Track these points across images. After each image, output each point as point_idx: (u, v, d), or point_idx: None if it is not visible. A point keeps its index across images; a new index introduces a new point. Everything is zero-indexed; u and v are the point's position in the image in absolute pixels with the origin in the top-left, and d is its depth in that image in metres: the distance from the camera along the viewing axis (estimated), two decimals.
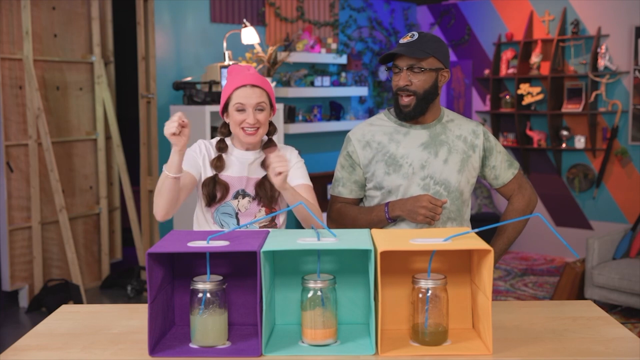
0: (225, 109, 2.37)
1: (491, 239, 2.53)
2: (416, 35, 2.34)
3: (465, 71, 7.31)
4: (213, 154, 2.39)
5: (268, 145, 2.42)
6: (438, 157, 2.40)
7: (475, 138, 2.46)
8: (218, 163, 2.36)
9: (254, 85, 2.32)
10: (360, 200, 2.53)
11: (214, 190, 2.33)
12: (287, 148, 2.47)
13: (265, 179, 2.35)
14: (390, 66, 2.41)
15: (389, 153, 2.41)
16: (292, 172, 2.39)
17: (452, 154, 2.41)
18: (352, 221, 2.45)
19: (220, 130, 2.43)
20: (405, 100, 2.36)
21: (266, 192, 2.35)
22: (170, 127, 2.07)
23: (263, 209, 2.37)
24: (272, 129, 2.44)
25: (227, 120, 2.39)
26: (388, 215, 2.37)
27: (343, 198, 2.50)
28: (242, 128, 2.32)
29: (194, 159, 2.35)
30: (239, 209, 2.35)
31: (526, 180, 2.57)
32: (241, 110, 2.31)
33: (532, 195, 2.55)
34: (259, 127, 2.33)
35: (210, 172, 2.36)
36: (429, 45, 2.33)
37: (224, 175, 2.36)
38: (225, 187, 2.34)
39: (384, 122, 2.48)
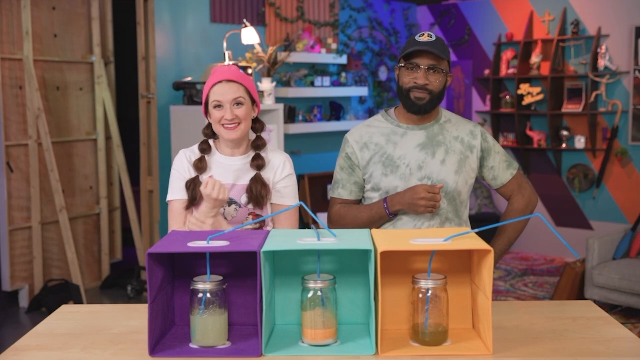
0: (206, 109, 2.33)
1: (491, 240, 2.53)
2: (433, 35, 2.36)
3: (465, 71, 7.31)
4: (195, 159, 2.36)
5: (257, 142, 2.36)
6: (435, 158, 2.40)
7: (472, 139, 2.46)
8: (200, 164, 2.32)
9: (229, 81, 2.27)
10: (360, 201, 2.53)
11: (194, 192, 2.30)
12: (279, 155, 2.40)
13: (253, 180, 2.31)
14: (401, 65, 2.39)
15: (386, 154, 2.41)
16: (280, 189, 2.35)
17: (449, 155, 2.41)
18: (353, 219, 2.45)
19: (204, 132, 2.38)
20: (419, 94, 2.36)
21: (256, 194, 2.30)
22: (224, 192, 2.15)
23: (250, 215, 2.33)
24: (258, 126, 2.38)
25: (210, 120, 2.34)
26: (389, 211, 2.38)
27: (343, 199, 2.50)
28: (222, 125, 2.28)
29: (183, 181, 2.33)
30: (225, 217, 2.30)
31: (526, 181, 2.57)
32: (219, 106, 2.27)
33: (532, 195, 2.55)
34: (239, 122, 2.28)
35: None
36: (445, 48, 2.37)
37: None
38: None
39: (381, 123, 2.48)
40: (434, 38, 2.35)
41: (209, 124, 2.36)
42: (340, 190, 2.50)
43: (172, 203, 2.35)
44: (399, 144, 2.42)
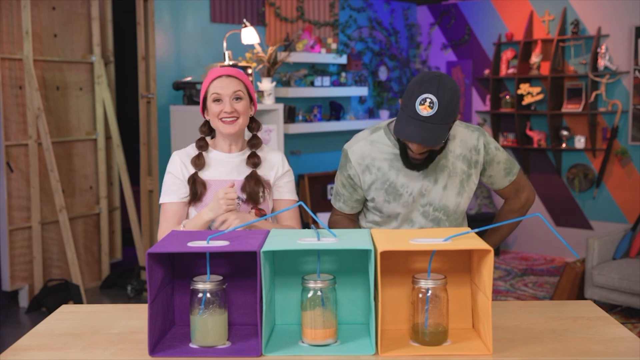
0: (204, 106, 2.36)
1: (484, 236, 2.56)
2: (436, 104, 2.06)
3: (465, 71, 7.31)
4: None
5: (253, 141, 2.40)
6: (437, 184, 2.37)
7: (476, 154, 2.39)
8: (198, 161, 2.35)
9: (229, 76, 2.31)
10: (359, 213, 2.55)
11: (194, 188, 2.33)
12: (276, 153, 2.45)
13: (248, 178, 2.34)
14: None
15: (389, 181, 2.36)
16: (282, 185, 2.40)
17: (452, 178, 2.37)
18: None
19: (201, 129, 2.42)
20: (417, 155, 2.26)
21: (250, 191, 2.34)
22: (230, 203, 2.17)
23: (253, 210, 2.34)
24: (254, 126, 2.42)
25: (207, 117, 2.38)
26: None
27: (344, 214, 2.52)
28: (221, 119, 2.30)
29: (178, 186, 2.35)
30: None
31: (525, 183, 2.53)
32: (218, 100, 2.30)
33: (529, 195, 2.54)
34: (238, 116, 2.31)
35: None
36: (449, 114, 2.11)
37: (211, 180, 2.34)
38: (203, 185, 2.33)
39: (384, 143, 2.37)
40: (435, 109, 2.06)
41: (205, 122, 2.40)
42: (342, 205, 2.49)
43: (164, 206, 2.37)
44: (402, 170, 2.35)
